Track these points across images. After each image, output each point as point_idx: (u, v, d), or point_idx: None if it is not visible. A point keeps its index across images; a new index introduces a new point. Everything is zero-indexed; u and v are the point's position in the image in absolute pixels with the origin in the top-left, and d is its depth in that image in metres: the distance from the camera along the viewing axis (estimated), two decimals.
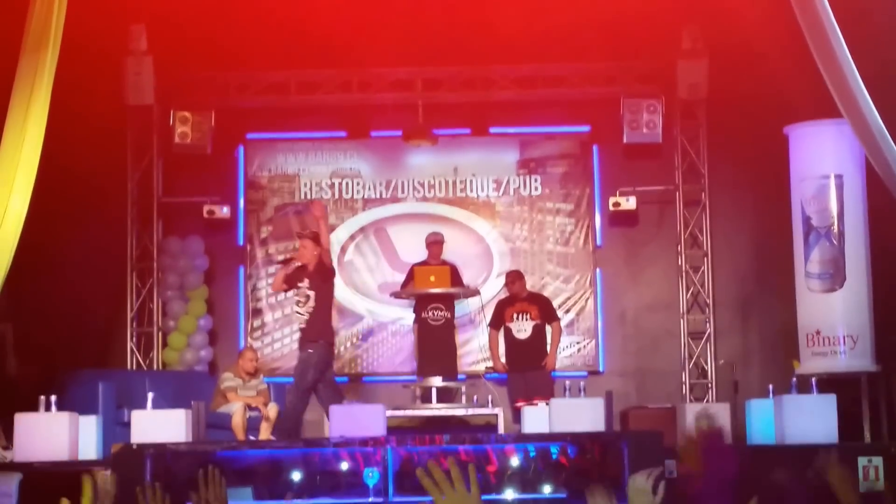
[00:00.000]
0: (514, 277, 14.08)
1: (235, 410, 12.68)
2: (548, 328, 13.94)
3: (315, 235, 12.51)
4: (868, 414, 12.76)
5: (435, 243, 14.11)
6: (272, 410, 12.93)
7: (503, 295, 14.37)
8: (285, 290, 12.86)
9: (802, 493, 9.49)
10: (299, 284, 12.40)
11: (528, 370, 13.69)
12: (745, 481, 10.25)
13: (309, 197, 15.56)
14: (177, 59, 14.93)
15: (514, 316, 13.84)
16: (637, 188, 15.17)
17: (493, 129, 15.74)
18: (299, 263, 12.45)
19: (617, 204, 15.12)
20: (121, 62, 14.73)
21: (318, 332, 12.39)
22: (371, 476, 10.70)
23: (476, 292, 14.17)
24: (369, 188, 15.62)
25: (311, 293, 12.36)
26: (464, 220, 15.52)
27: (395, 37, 14.72)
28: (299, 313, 12.46)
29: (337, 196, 15.59)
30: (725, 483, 3.75)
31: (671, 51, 14.83)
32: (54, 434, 11.02)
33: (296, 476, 11.00)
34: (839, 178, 13.07)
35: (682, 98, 15.00)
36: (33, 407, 11.25)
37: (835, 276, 13.00)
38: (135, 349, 15.13)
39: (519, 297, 13.96)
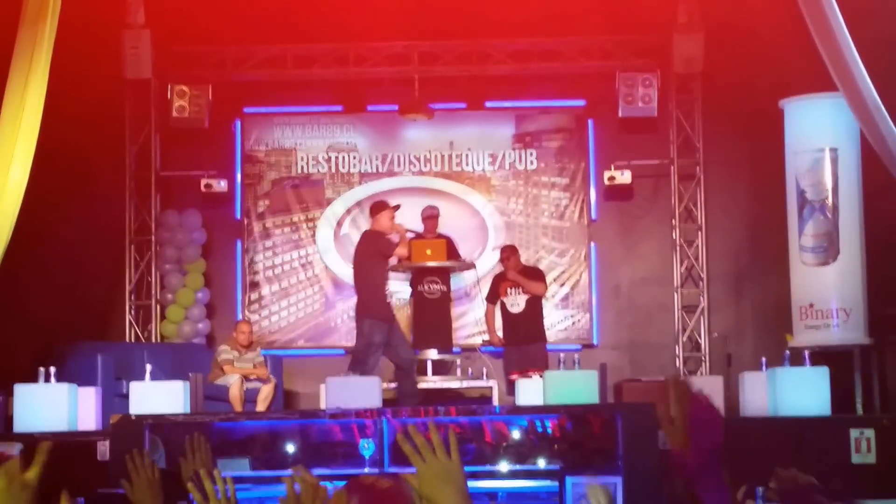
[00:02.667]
0: (508, 253, 14.11)
1: (233, 382, 12.76)
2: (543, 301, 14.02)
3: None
4: (860, 386, 12.83)
5: (431, 217, 14.17)
6: (268, 389, 12.99)
7: (499, 269, 14.43)
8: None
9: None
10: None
11: (523, 344, 13.74)
12: (738, 454, 10.34)
13: (306, 171, 15.63)
14: (174, 32, 14.97)
15: (508, 290, 13.89)
16: (632, 162, 15.22)
17: (488, 104, 15.79)
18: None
19: (612, 178, 15.16)
20: (118, 36, 14.76)
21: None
22: (367, 447, 10.78)
23: (471, 266, 14.21)
24: (365, 162, 15.67)
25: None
26: (459, 194, 15.58)
27: (391, 11, 14.75)
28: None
29: (333, 170, 15.64)
30: (715, 454, 3.60)
31: (667, 25, 14.87)
32: (54, 405, 11.10)
33: (292, 447, 11.08)
34: (834, 151, 13.12)
35: (678, 72, 15.05)
36: (33, 378, 11.35)
37: (828, 250, 13.06)
38: (133, 322, 15.21)
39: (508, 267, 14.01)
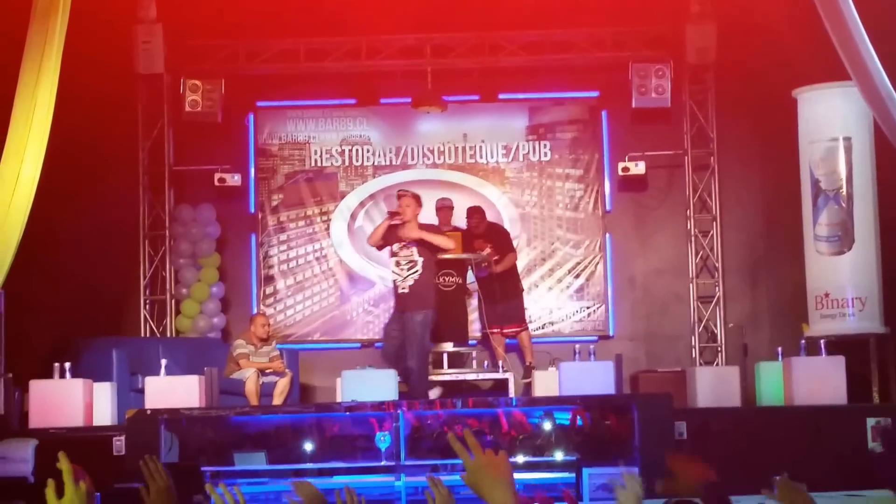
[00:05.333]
0: (470, 213, 14.16)
1: (248, 376, 12.77)
2: None
3: (416, 195, 12.57)
4: (877, 375, 12.80)
5: (444, 208, 14.15)
6: (284, 383, 13.01)
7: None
8: (380, 248, 12.70)
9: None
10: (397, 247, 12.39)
11: (499, 301, 13.81)
12: (755, 444, 10.35)
13: (319, 164, 15.63)
14: (186, 27, 14.95)
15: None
16: (646, 153, 15.19)
17: (502, 95, 15.76)
18: (399, 221, 12.36)
19: (626, 169, 15.13)
20: (131, 31, 14.75)
21: (426, 300, 12.38)
22: (383, 440, 10.79)
23: (488, 258, 14.15)
24: (379, 155, 15.66)
25: (420, 260, 12.31)
26: (473, 186, 15.55)
27: (403, 3, 14.73)
28: (398, 274, 12.36)
29: (347, 163, 15.63)
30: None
31: (679, 15, 14.83)
32: (69, 400, 11.15)
33: (308, 441, 11.09)
34: (847, 140, 13.08)
35: (691, 62, 15.00)
36: (48, 374, 11.38)
37: (843, 239, 13.03)
38: (148, 317, 15.21)
39: (475, 233, 13.98)
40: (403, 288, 12.25)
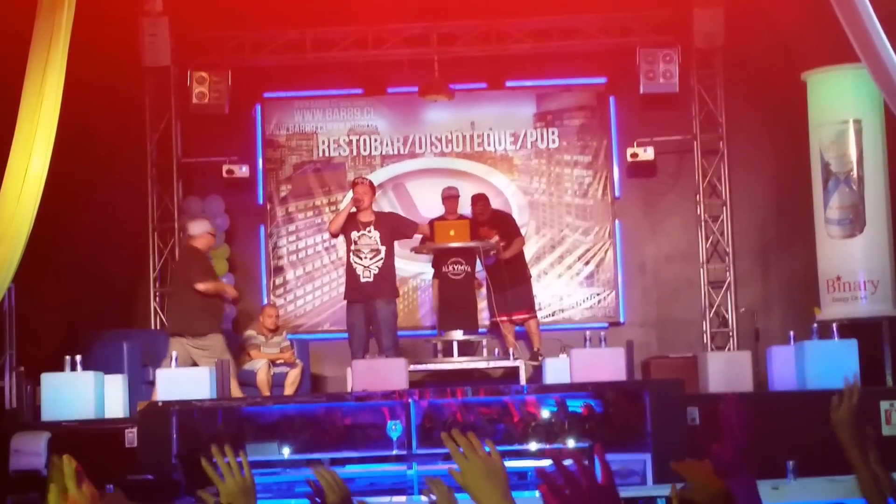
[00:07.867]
0: (474, 200, 14.12)
1: (260, 367, 12.77)
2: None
3: (372, 183, 13.07)
4: (889, 358, 12.76)
5: (450, 198, 14.06)
6: (295, 373, 13.01)
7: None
8: (336, 235, 13.16)
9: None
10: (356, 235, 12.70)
11: (507, 288, 13.78)
12: (768, 428, 10.32)
13: (327, 155, 15.62)
14: (192, 19, 14.94)
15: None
16: (655, 138, 15.14)
17: (509, 83, 15.72)
18: (354, 209, 12.78)
19: (635, 155, 15.09)
20: (137, 23, 14.74)
21: (393, 288, 12.97)
22: (394, 429, 10.78)
23: (496, 245, 14.10)
24: (387, 144, 15.64)
25: (384, 248, 12.72)
26: (482, 174, 15.52)
27: None
28: (359, 263, 12.70)
29: (355, 153, 15.62)
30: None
31: None
32: (81, 393, 11.17)
33: (320, 431, 11.08)
34: (858, 123, 13.05)
35: (699, 47, 14.95)
36: (59, 367, 11.39)
37: (854, 222, 13.00)
38: (158, 308, 15.21)
39: (480, 220, 13.93)
40: (367, 276, 12.67)
